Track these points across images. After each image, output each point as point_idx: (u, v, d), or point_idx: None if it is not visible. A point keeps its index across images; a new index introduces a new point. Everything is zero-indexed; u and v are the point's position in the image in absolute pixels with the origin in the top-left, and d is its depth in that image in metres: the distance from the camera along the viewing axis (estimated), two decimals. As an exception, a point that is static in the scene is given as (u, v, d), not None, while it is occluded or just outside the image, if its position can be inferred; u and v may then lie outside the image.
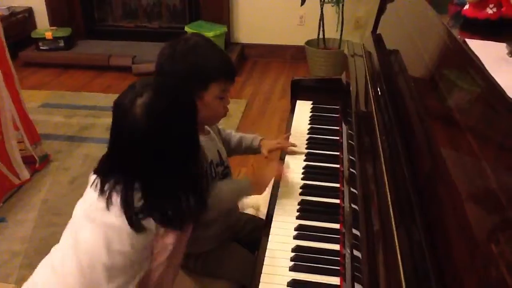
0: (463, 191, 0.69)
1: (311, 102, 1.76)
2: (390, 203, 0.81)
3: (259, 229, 1.18)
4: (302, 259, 1.03)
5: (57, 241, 1.05)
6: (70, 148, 2.87)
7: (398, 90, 1.15)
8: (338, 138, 1.51)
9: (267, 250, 1.06)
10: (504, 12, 1.03)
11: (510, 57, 0.86)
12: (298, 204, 1.20)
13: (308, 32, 3.98)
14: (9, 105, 2.37)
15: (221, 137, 1.40)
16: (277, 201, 1.22)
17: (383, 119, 1.08)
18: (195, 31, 3.70)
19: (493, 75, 0.77)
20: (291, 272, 0.99)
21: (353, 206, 1.04)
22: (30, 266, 1.91)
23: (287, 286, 0.96)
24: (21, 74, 3.03)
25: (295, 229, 1.11)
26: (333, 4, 3.78)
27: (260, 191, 1.36)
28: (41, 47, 4.17)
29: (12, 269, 1.95)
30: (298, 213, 1.17)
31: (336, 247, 1.06)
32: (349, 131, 1.34)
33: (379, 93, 1.20)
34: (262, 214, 1.65)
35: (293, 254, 1.04)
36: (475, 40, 0.95)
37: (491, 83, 0.76)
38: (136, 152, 0.94)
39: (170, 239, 0.98)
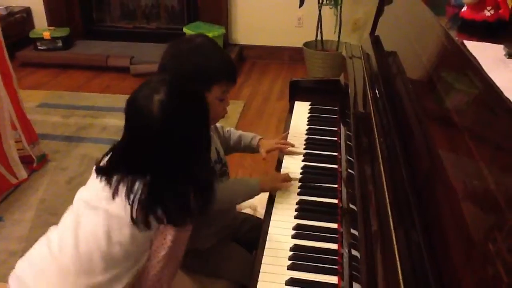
0: (460, 191, 0.69)
1: (309, 103, 1.77)
2: (388, 203, 0.82)
3: (256, 228, 1.18)
4: (300, 258, 1.03)
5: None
6: (67, 148, 2.86)
7: (396, 92, 1.16)
8: (336, 139, 1.51)
9: (265, 249, 1.06)
10: (501, 14, 1.04)
11: (508, 58, 0.86)
12: (296, 204, 1.21)
13: (306, 34, 3.99)
14: (7, 105, 2.37)
15: (220, 135, 1.41)
16: (275, 200, 1.22)
17: (381, 120, 1.08)
18: (193, 32, 3.70)
19: (490, 76, 0.78)
20: (289, 271, 1.00)
21: (351, 206, 1.05)
22: (27, 265, 1.91)
23: (286, 285, 0.97)
24: (19, 74, 3.02)
25: (293, 229, 1.12)
26: (331, 6, 3.79)
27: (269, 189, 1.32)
28: (39, 47, 4.16)
29: (9, 268, 1.90)
30: (296, 213, 1.18)
31: (334, 246, 1.06)
32: (348, 132, 1.34)
33: (377, 94, 1.21)
34: (260, 214, 1.66)
35: (291, 253, 1.05)
36: (473, 42, 0.95)
37: (488, 84, 0.77)
38: (149, 148, 0.94)
39: (170, 235, 0.98)
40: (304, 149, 1.47)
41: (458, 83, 0.91)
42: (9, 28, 3.97)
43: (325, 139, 1.53)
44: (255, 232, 1.19)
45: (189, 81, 1.05)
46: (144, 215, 0.94)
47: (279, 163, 1.41)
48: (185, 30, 3.98)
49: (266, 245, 1.07)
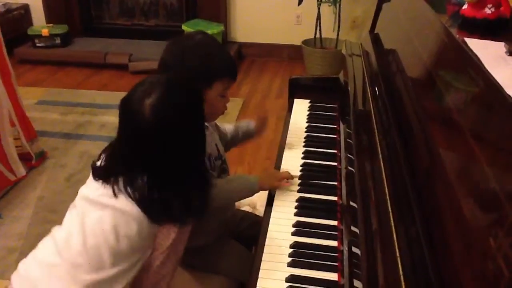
0: (460, 188, 0.69)
1: (308, 100, 1.77)
2: (388, 200, 0.82)
3: (255, 225, 1.18)
4: (300, 255, 1.03)
5: (53, 238, 1.05)
6: (66, 145, 2.86)
7: (396, 89, 1.16)
8: (335, 136, 1.51)
9: (265, 246, 1.06)
10: (502, 12, 1.04)
11: (509, 55, 0.86)
12: (296, 201, 1.21)
13: (305, 32, 3.99)
14: (6, 102, 2.36)
15: (221, 131, 1.41)
16: (275, 197, 1.22)
17: (381, 117, 1.08)
18: (192, 30, 3.70)
19: (492, 73, 0.78)
20: (289, 268, 1.00)
21: (351, 203, 1.05)
22: (26, 262, 1.91)
23: (286, 281, 0.97)
24: (17, 71, 3.01)
25: (293, 226, 1.12)
26: (330, 4, 3.79)
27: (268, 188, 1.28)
28: (37, 44, 4.15)
29: (8, 265, 1.94)
30: (296, 210, 1.18)
31: (334, 243, 1.06)
32: (347, 130, 1.34)
33: (377, 92, 1.21)
34: (259, 211, 1.66)
35: (291, 250, 1.05)
36: (474, 39, 0.95)
37: (490, 82, 0.77)
38: (143, 148, 0.96)
39: (173, 228, 0.99)
40: (304, 146, 1.47)
41: (458, 81, 0.91)
42: (7, 25, 3.95)
43: (325, 136, 1.53)
44: (254, 229, 1.18)
45: (191, 78, 1.05)
46: (155, 212, 0.96)
47: (279, 160, 1.41)
48: (183, 27, 3.98)
49: (266, 242, 1.07)
